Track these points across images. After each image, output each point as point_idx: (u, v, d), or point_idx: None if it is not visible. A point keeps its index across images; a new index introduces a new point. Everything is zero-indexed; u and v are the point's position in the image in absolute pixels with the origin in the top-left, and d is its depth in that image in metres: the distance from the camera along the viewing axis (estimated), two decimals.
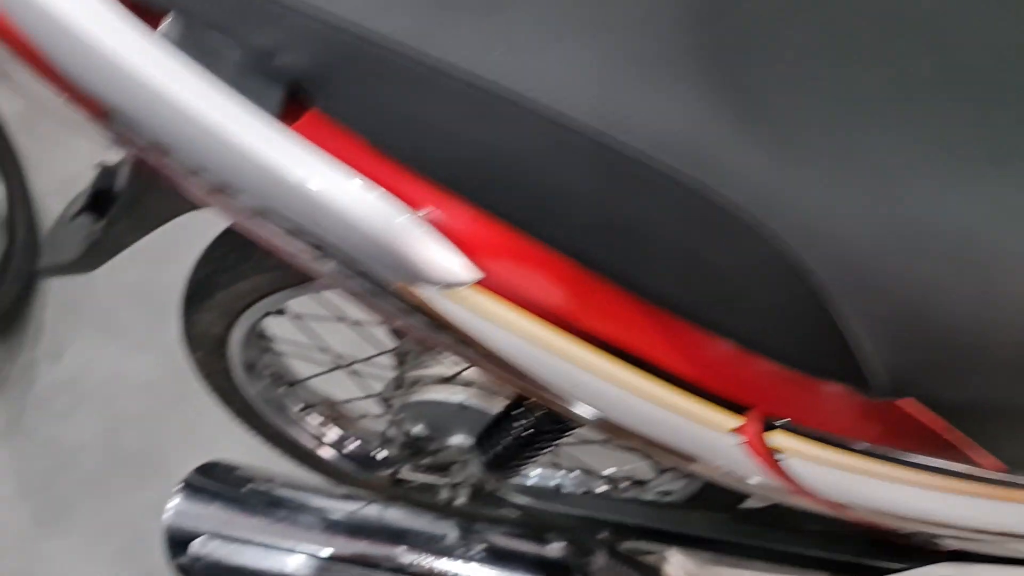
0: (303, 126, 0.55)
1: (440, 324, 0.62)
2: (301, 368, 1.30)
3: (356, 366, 1.21)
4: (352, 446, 1.37)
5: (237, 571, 0.94)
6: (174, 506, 0.95)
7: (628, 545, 1.02)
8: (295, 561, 0.94)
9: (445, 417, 1.10)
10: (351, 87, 0.53)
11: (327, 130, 0.55)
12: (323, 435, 1.34)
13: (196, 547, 0.94)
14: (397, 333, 1.23)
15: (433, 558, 0.97)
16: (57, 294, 1.86)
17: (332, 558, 0.95)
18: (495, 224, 0.56)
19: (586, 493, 1.20)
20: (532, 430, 0.88)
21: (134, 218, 0.85)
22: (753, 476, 0.68)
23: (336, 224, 0.55)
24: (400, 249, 0.56)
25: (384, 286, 0.60)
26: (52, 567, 1.54)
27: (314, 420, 1.33)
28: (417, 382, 1.09)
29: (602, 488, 1.33)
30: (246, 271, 0.95)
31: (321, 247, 0.60)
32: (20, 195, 1.85)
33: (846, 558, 1.01)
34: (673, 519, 1.05)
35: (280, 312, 1.12)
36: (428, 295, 0.59)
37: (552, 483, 1.29)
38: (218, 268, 0.98)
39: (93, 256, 0.92)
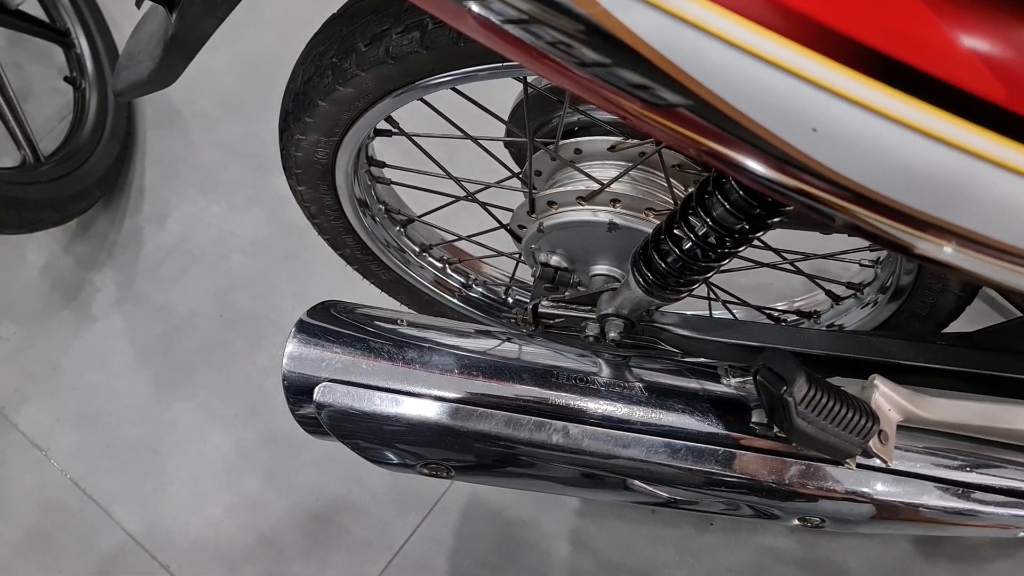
0: None
1: (625, 52, 0.45)
2: (416, 204, 1.16)
3: (479, 196, 1.05)
4: (478, 289, 1.23)
5: (367, 418, 0.82)
6: (289, 351, 0.84)
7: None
8: (432, 406, 0.82)
9: (588, 241, 0.95)
10: None
11: None
12: (445, 279, 1.21)
13: (319, 394, 0.82)
14: (520, 157, 1.07)
15: (587, 398, 0.83)
16: (156, 154, 1.77)
17: (473, 402, 0.82)
18: None
19: (761, 320, 1.03)
20: (703, 241, 0.71)
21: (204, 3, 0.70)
22: None
23: None
24: None
25: None
26: (177, 432, 1.50)
27: (435, 262, 1.20)
28: (553, 203, 0.93)
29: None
30: (348, 70, 0.79)
31: None
32: (106, 52, 1.75)
33: None
34: (866, 346, 0.87)
35: (389, 132, 0.97)
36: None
37: (715, 314, 1.13)
38: (317, 70, 0.82)
39: (172, 60, 0.78)
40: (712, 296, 1.14)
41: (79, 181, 1.58)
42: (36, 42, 1.83)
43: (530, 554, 1.33)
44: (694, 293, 0.86)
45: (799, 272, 1.05)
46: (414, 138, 0.99)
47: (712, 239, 0.71)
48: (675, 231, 0.73)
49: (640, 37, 0.43)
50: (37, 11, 1.70)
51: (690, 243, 0.72)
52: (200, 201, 1.70)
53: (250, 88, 1.79)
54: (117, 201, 1.73)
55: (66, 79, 1.72)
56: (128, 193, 1.73)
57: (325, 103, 0.84)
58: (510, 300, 1.24)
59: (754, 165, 0.50)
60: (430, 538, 1.36)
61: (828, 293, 1.09)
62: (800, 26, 0.41)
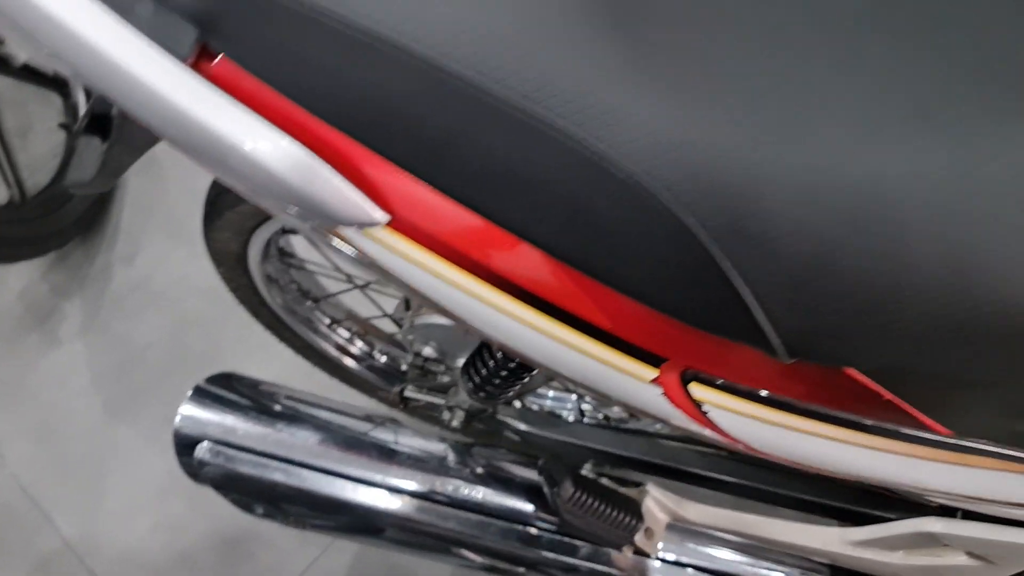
0: (213, 70, 0.56)
1: (368, 261, 0.63)
2: (327, 285, 1.34)
3: (371, 286, 1.24)
4: (381, 359, 1.41)
5: (237, 478, 1.00)
6: (183, 411, 1.02)
7: (616, 474, 1.03)
8: (291, 472, 0.99)
9: (449, 340, 1.12)
10: (246, 29, 0.53)
11: (236, 76, 0.56)
12: (350, 348, 1.39)
13: (200, 452, 1.00)
14: None
15: (423, 476, 1.01)
16: (134, 198, 1.96)
17: (325, 471, 1.00)
18: (399, 169, 0.56)
19: (580, 421, 1.20)
20: (496, 364, 0.89)
21: (126, 141, 0.89)
22: (686, 426, 0.67)
23: (243, 166, 0.56)
24: (308, 192, 0.57)
25: (308, 221, 0.62)
26: (120, 452, 1.68)
27: (342, 334, 1.38)
28: (422, 305, 1.11)
29: (598, 418, 1.34)
30: None
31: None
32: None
33: (837, 504, 0.99)
34: (663, 452, 1.05)
35: (295, 231, 1.16)
36: (348, 234, 0.60)
37: (550, 410, 1.30)
38: (223, 189, 1.01)
39: (105, 175, 0.97)
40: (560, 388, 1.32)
41: (58, 221, 1.78)
42: None
43: None
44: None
45: None
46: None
47: (496, 366, 0.89)
48: (482, 356, 0.92)
49: (371, 256, 0.62)
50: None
51: (485, 370, 0.91)
52: (167, 245, 1.89)
53: None
54: (95, 237, 1.92)
55: (60, 125, 1.92)
56: (105, 230, 1.93)
57: (231, 213, 1.03)
58: (405, 371, 1.42)
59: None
60: (325, 571, 1.53)
61: None
62: (476, 265, 0.59)
